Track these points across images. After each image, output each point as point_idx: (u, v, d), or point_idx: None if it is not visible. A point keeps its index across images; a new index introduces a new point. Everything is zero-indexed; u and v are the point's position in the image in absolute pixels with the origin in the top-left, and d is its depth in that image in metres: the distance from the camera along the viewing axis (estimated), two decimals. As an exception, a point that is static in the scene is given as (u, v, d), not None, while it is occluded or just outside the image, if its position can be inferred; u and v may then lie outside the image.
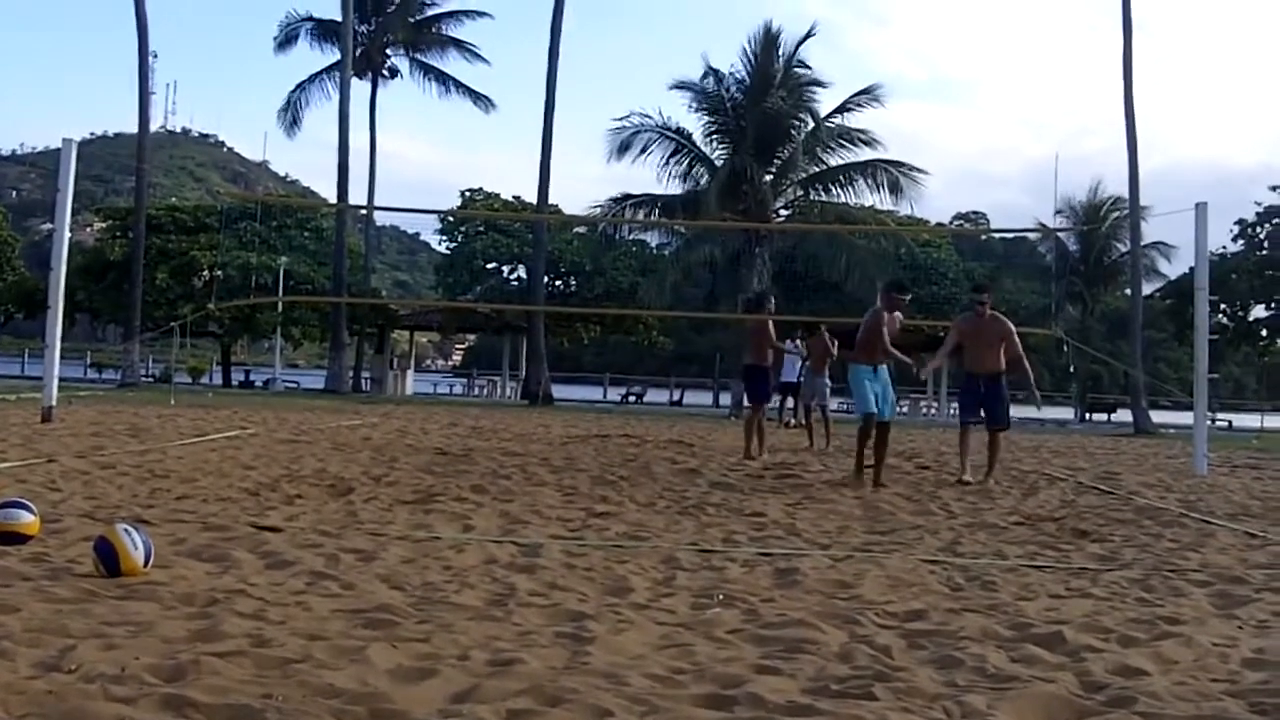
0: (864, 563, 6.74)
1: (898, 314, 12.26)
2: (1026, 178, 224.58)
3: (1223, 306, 50.21)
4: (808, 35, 40.99)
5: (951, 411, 46.68)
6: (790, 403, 22.59)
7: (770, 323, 16.21)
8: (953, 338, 12.90)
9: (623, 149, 40.87)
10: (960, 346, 12.70)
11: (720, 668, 4.07)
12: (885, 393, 12.04)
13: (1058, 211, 51.56)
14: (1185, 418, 20.25)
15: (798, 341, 19.78)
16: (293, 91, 49.04)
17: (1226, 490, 12.90)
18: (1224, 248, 51.47)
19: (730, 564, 6.51)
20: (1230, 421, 46.74)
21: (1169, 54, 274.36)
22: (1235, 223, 52.48)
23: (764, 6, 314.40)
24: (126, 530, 5.45)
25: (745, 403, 18.51)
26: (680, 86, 41.14)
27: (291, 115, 49.12)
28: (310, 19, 49.10)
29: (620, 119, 41.36)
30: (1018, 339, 12.52)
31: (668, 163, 41.22)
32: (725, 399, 43.84)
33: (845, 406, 22.06)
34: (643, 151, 41.10)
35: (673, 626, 4.81)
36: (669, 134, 41.26)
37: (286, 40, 49.20)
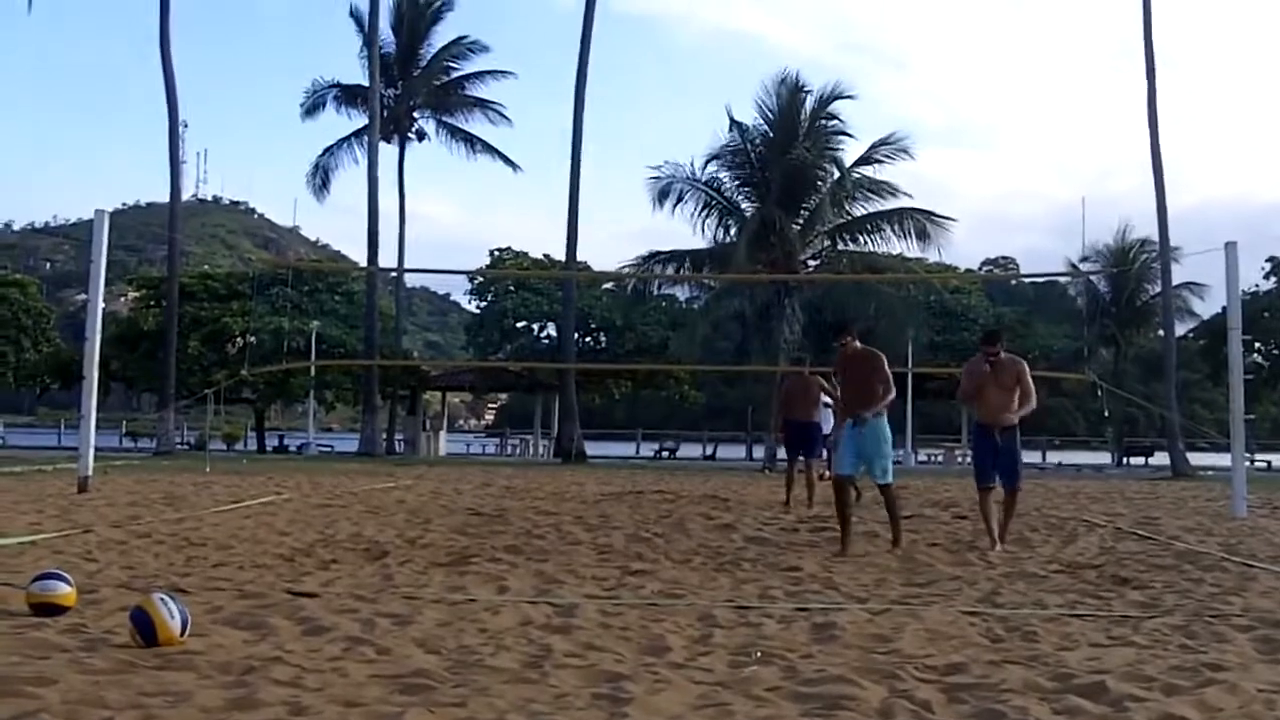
0: (902, 616, 6.68)
1: (855, 353, 10.89)
2: (1053, 221, 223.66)
3: (1257, 345, 49.91)
4: (836, 95, 41.17)
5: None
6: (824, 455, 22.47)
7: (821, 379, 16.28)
8: (969, 382, 11.29)
9: (662, 196, 41.33)
10: (975, 392, 11.24)
11: (759, 726, 4.04)
12: (844, 447, 10.82)
13: (1084, 258, 51.45)
14: (1223, 459, 20.12)
15: None
16: (320, 156, 49.59)
17: (1268, 533, 12.76)
18: (1256, 285, 51.25)
19: (767, 620, 6.47)
20: (1269, 462, 46.30)
21: (1193, 92, 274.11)
22: (1267, 260, 52.25)
23: (782, 54, 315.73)
24: (163, 599, 5.47)
25: (783, 456, 18.47)
26: (715, 158, 41.60)
27: (320, 179, 49.62)
28: (336, 85, 49.66)
29: (657, 167, 41.92)
30: (1029, 377, 11.14)
31: (700, 214, 41.57)
32: (759, 452, 43.72)
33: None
34: (679, 201, 41.54)
35: (710, 685, 4.78)
36: (699, 186, 41.58)
37: (314, 107, 49.74)
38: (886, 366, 10.63)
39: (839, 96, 41.16)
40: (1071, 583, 8.31)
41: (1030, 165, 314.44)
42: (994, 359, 11.03)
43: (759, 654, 5.44)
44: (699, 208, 41.55)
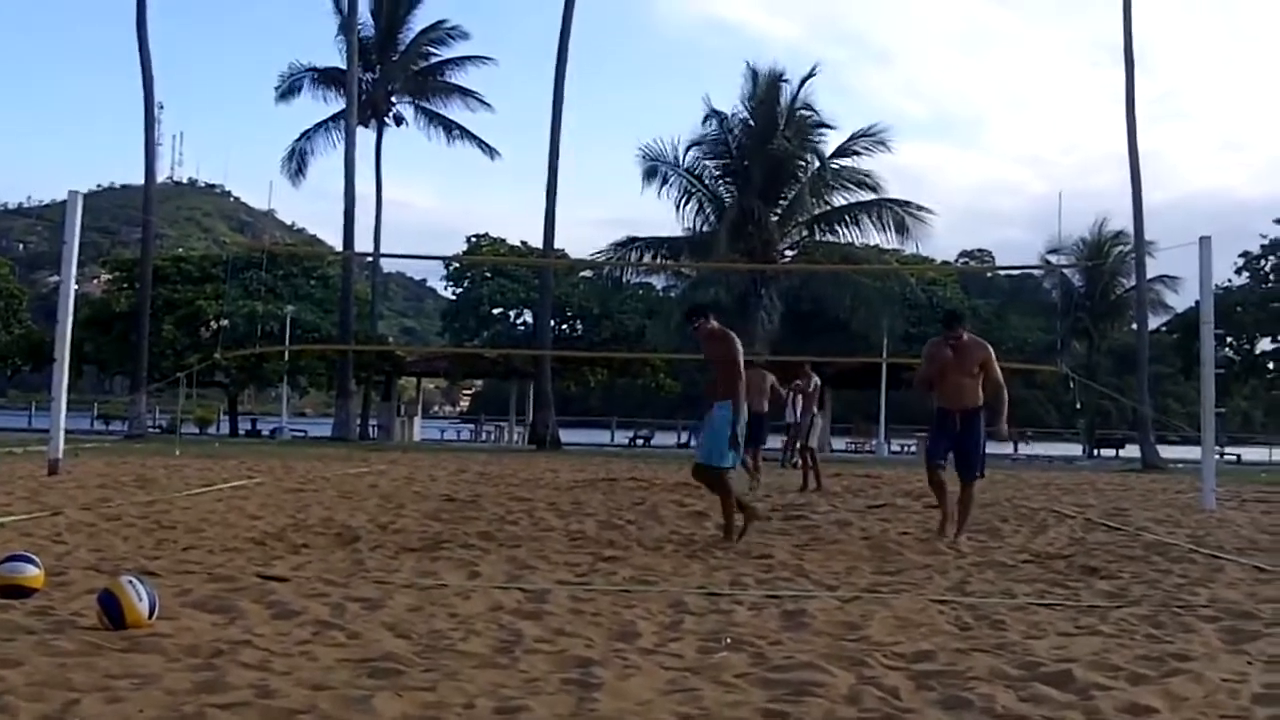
0: (872, 604, 6.71)
1: (708, 333, 10.04)
2: (1030, 215, 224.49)
3: (1229, 340, 50.14)
4: (809, 76, 41.31)
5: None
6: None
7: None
8: (930, 367, 10.84)
9: (650, 175, 41.40)
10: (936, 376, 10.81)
11: (728, 712, 4.05)
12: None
13: (1052, 250, 51.65)
14: (1194, 452, 20.27)
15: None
16: (297, 140, 49.42)
17: (1235, 525, 12.85)
18: (1229, 280, 51.51)
19: (738, 607, 6.48)
20: (1239, 455, 46.66)
21: (1172, 88, 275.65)
22: (1239, 255, 52.51)
23: (765, 45, 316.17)
24: (131, 582, 5.45)
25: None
26: (697, 144, 41.66)
27: (296, 164, 49.48)
28: (313, 69, 49.39)
29: (644, 145, 42.00)
30: (997, 365, 10.73)
31: (682, 201, 41.65)
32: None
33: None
34: (664, 183, 41.63)
35: (680, 671, 4.79)
36: (682, 172, 41.64)
37: (289, 91, 49.47)
38: (734, 346, 9.83)
39: (811, 75, 41.28)
40: (1040, 572, 8.35)
41: (1010, 160, 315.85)
42: (956, 342, 10.67)
43: (729, 640, 5.44)
44: (681, 194, 41.64)
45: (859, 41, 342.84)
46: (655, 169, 41.54)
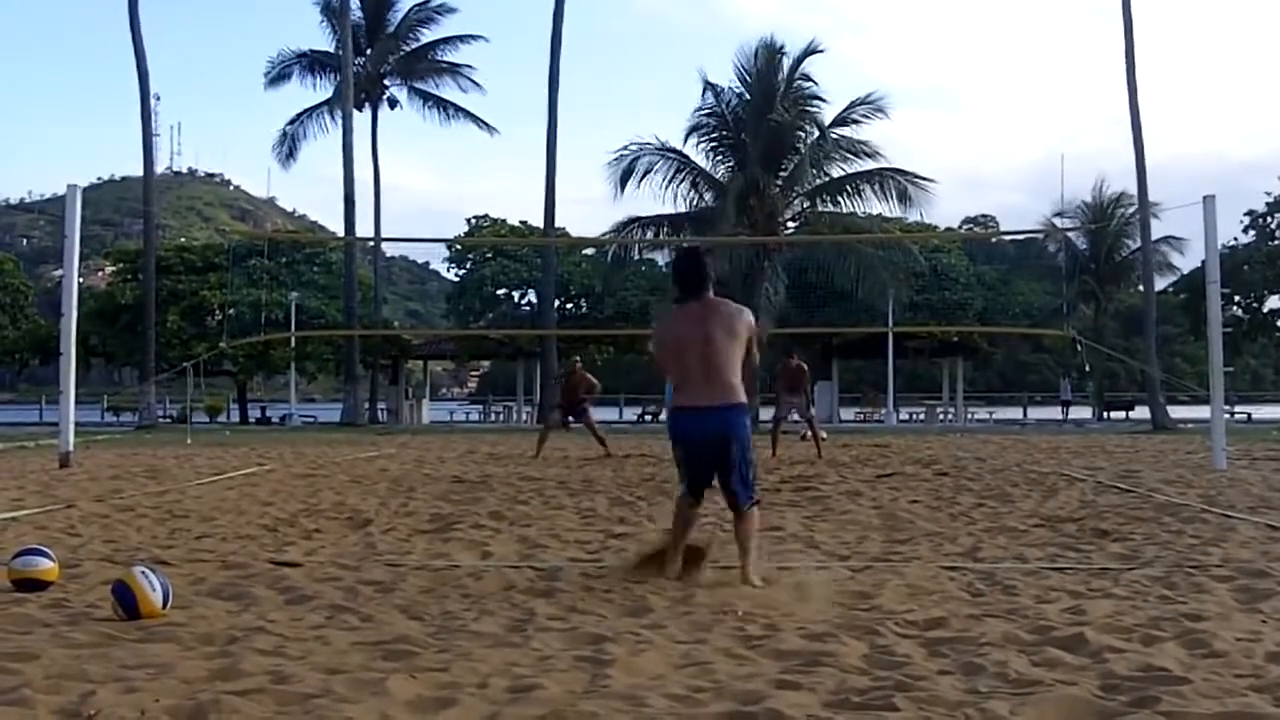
0: (883, 572, 6.71)
1: None
2: (1027, 179, 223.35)
3: (1236, 298, 49.96)
4: (811, 51, 41.09)
5: (970, 415, 46.62)
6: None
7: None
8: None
9: (625, 177, 41.00)
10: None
11: (740, 684, 4.06)
12: None
13: (1059, 213, 51.44)
14: (1203, 412, 20.20)
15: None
16: (289, 124, 49.03)
17: (1247, 483, 12.85)
18: (1235, 239, 51.27)
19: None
20: (1249, 414, 46.57)
21: (1162, 47, 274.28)
22: (1245, 213, 52.19)
23: (747, 19, 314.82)
24: (144, 572, 5.47)
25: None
26: (696, 128, 41.33)
27: (288, 148, 49.05)
28: (303, 55, 49.00)
29: (618, 150, 41.61)
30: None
31: (669, 184, 41.22)
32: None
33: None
34: (645, 175, 41.18)
35: (692, 644, 4.79)
36: (670, 154, 41.30)
37: (279, 78, 49.01)
38: None
39: (813, 51, 41.02)
40: (1052, 536, 8.36)
41: (998, 125, 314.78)
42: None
43: (740, 612, 5.45)
44: (668, 178, 41.19)
45: (835, 10, 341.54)
46: (630, 169, 41.06)
